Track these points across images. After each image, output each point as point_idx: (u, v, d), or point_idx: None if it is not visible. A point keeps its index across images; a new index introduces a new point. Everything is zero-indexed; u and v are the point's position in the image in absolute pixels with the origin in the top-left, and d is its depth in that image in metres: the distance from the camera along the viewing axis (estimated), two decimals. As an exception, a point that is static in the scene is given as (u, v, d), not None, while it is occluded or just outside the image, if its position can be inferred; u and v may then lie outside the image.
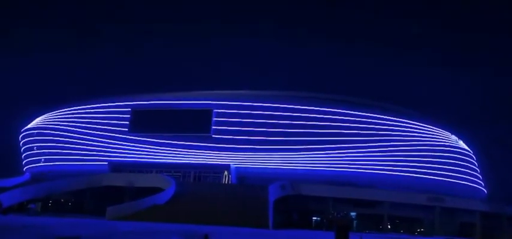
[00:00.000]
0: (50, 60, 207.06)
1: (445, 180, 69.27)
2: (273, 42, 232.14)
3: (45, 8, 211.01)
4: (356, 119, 68.46)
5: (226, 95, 73.06)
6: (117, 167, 68.99)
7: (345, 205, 61.01)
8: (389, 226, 62.01)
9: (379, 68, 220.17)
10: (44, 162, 77.66)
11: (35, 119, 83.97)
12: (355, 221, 62.27)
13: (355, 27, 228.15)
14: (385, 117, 69.66)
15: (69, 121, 77.28)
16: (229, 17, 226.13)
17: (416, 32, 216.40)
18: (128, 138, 71.90)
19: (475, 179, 75.68)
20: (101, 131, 73.65)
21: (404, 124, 70.54)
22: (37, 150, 79.39)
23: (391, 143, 68.09)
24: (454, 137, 76.58)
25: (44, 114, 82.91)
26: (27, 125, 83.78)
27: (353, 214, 62.98)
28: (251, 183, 63.26)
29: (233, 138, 67.93)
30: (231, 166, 67.06)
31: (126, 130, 72.27)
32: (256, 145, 67.11)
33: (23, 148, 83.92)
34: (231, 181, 67.00)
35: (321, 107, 68.80)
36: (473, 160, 77.64)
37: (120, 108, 74.40)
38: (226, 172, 67.65)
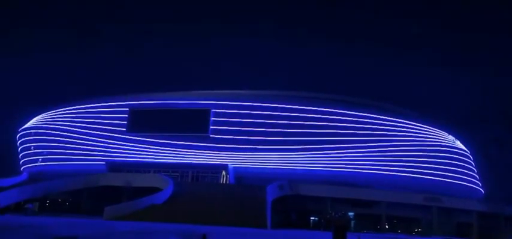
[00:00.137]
0: (48, 60, 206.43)
1: (442, 180, 69.50)
2: (271, 42, 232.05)
3: (44, 8, 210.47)
4: (354, 119, 68.56)
5: (224, 94, 73.03)
6: (114, 167, 68.90)
7: (343, 205, 61.10)
8: (387, 226, 62.15)
9: (378, 68, 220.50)
10: (41, 162, 77.47)
11: (32, 118, 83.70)
12: (353, 221, 62.38)
13: (355, 27, 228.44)
14: (383, 117, 69.81)
15: (66, 120, 77.06)
16: (227, 16, 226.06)
17: (416, 32, 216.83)
18: (125, 138, 71.76)
19: (472, 179, 75.93)
20: (98, 131, 73.48)
21: (402, 124, 70.70)
22: (34, 150, 79.17)
23: (389, 143, 68.23)
24: (451, 137, 76.83)
25: (41, 113, 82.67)
26: (24, 125, 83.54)
27: (351, 214, 63.09)
28: (249, 183, 63.27)
29: (231, 138, 67.88)
30: (229, 165, 67.04)
31: (124, 129, 72.13)
32: (254, 145, 67.09)
33: (20, 148, 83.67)
34: (229, 181, 66.99)
35: (319, 107, 68.85)
36: (471, 160, 77.89)
37: (118, 108, 74.23)
38: (224, 172, 67.63)
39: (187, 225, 36.24)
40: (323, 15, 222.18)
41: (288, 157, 67.01)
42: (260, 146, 66.97)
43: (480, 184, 78.30)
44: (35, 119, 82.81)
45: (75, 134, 74.71)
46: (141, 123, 71.34)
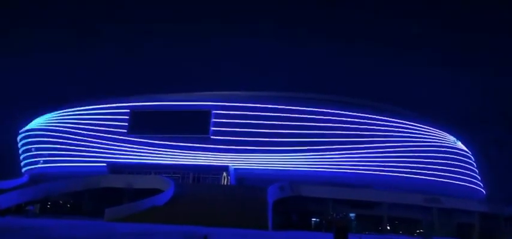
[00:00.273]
0: (49, 61, 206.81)
1: (443, 181, 69.47)
2: (272, 42, 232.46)
3: (45, 8, 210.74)
4: (355, 121, 68.56)
5: (224, 96, 73.03)
6: (115, 169, 68.94)
7: (344, 206, 61.05)
8: (388, 227, 62.06)
9: (378, 68, 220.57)
10: (42, 163, 77.50)
11: (33, 120, 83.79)
12: (354, 222, 62.30)
13: (355, 27, 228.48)
14: (383, 118, 69.80)
15: (67, 122, 77.10)
16: (228, 17, 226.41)
17: (416, 32, 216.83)
18: (126, 139, 71.78)
19: (473, 180, 75.86)
20: (99, 133, 73.48)
21: (403, 125, 70.69)
22: (35, 151, 79.23)
23: (390, 144, 68.19)
24: (452, 138, 76.80)
25: (42, 115, 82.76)
26: (25, 126, 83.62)
27: (352, 215, 63.02)
28: (250, 184, 63.25)
29: (232, 139, 67.86)
30: (230, 167, 67.04)
31: (125, 131, 72.15)
32: (255, 146, 67.06)
33: (21, 149, 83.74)
34: (230, 182, 66.98)
35: (320, 108, 68.84)
36: (472, 160, 77.82)
37: (119, 109, 74.27)
38: (225, 173, 67.63)
39: (188, 226, 36.21)
40: (323, 15, 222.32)
41: (289, 158, 66.97)
42: (261, 147, 66.92)
43: (481, 185, 78.22)
44: (35, 121, 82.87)
45: (76, 136, 74.71)
46: (142, 124, 71.35)
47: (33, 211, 55.10)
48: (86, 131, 74.40)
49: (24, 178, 76.53)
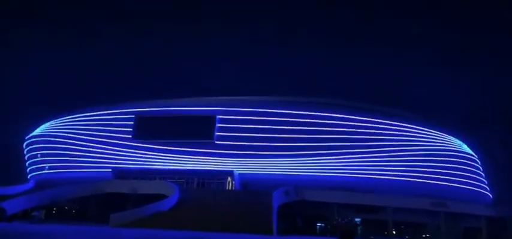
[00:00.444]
0: (53, 67, 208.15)
1: (449, 185, 68.98)
2: (277, 47, 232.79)
3: (47, 9, 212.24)
4: (360, 125, 68.38)
5: (229, 101, 73.17)
6: (120, 174, 69.15)
7: (350, 210, 60.77)
8: (394, 232, 61.66)
9: (380, 69, 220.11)
10: (48, 169, 77.90)
11: (39, 126, 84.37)
12: (359, 227, 61.97)
13: (354, 27, 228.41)
14: (388, 122, 69.58)
15: (73, 128, 77.57)
16: (230, 17, 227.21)
17: (416, 32, 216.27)
18: (131, 145, 72.02)
19: (480, 184, 75.24)
20: (104, 138, 73.85)
21: (408, 129, 70.39)
22: (41, 157, 79.67)
23: (395, 148, 67.89)
24: (457, 142, 76.31)
25: (48, 121, 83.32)
26: (31, 133, 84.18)
27: (357, 219, 62.69)
28: (255, 189, 63.09)
29: (236, 144, 67.91)
30: (235, 172, 67.02)
31: (130, 136, 72.44)
32: (260, 151, 67.04)
33: (27, 156, 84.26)
34: (234, 187, 66.93)
35: (325, 113, 68.77)
36: (478, 164, 77.23)
37: (124, 115, 74.64)
38: (229, 178, 67.59)
39: (193, 232, 36.17)
40: (323, 16, 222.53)
41: (294, 163, 66.84)
42: (266, 152, 66.89)
43: (488, 189, 77.57)
44: (41, 127, 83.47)
45: (82, 142, 75.11)
46: (147, 130, 71.63)
47: (39, 217, 55.19)
48: (91, 137, 74.79)
49: (30, 184, 76.98)
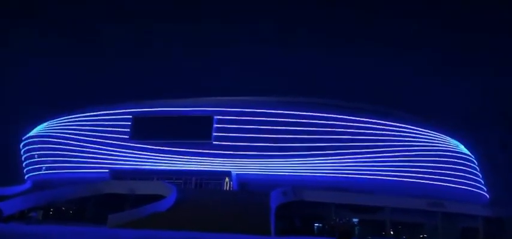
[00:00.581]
0: (51, 67, 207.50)
1: (446, 185, 69.17)
2: (275, 48, 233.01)
3: (45, 10, 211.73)
4: (357, 125, 68.47)
5: (226, 101, 73.13)
6: (118, 175, 69.01)
7: (347, 211, 60.86)
8: (391, 232, 61.80)
9: (380, 69, 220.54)
10: (45, 170, 77.67)
11: (36, 127, 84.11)
12: (357, 227, 62.09)
13: (354, 27, 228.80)
14: (386, 122, 69.71)
15: (70, 128, 77.36)
16: (229, 17, 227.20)
17: (415, 32, 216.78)
18: (128, 145, 71.91)
19: (477, 184, 75.50)
20: (102, 139, 73.68)
21: (405, 129, 70.55)
22: (38, 158, 79.45)
23: (393, 149, 68.04)
24: (454, 142, 76.55)
25: (45, 122, 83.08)
26: (28, 133, 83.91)
27: (355, 220, 62.80)
28: (252, 189, 63.17)
29: (234, 144, 67.90)
30: (232, 172, 67.00)
31: (127, 137, 72.31)
32: (258, 151, 67.05)
33: (24, 156, 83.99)
34: (232, 187, 66.92)
35: (322, 113, 68.85)
36: (475, 164, 77.51)
37: (121, 115, 74.50)
38: (227, 179, 67.57)
39: (191, 232, 36.16)
40: (323, 16, 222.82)
41: (292, 163, 66.90)
42: (263, 153, 66.92)
43: (485, 189, 77.84)
44: (38, 128, 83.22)
45: (79, 142, 74.93)
46: (144, 130, 71.52)
47: (36, 218, 54.99)
48: (88, 137, 74.62)
49: (27, 185, 76.72)
